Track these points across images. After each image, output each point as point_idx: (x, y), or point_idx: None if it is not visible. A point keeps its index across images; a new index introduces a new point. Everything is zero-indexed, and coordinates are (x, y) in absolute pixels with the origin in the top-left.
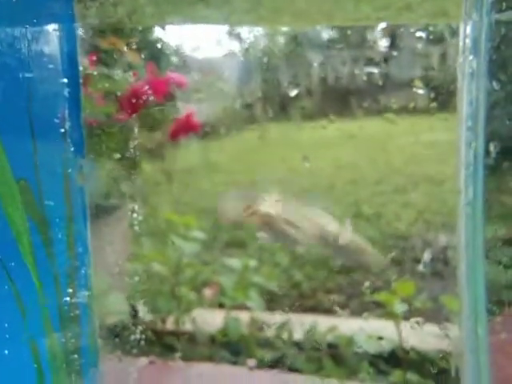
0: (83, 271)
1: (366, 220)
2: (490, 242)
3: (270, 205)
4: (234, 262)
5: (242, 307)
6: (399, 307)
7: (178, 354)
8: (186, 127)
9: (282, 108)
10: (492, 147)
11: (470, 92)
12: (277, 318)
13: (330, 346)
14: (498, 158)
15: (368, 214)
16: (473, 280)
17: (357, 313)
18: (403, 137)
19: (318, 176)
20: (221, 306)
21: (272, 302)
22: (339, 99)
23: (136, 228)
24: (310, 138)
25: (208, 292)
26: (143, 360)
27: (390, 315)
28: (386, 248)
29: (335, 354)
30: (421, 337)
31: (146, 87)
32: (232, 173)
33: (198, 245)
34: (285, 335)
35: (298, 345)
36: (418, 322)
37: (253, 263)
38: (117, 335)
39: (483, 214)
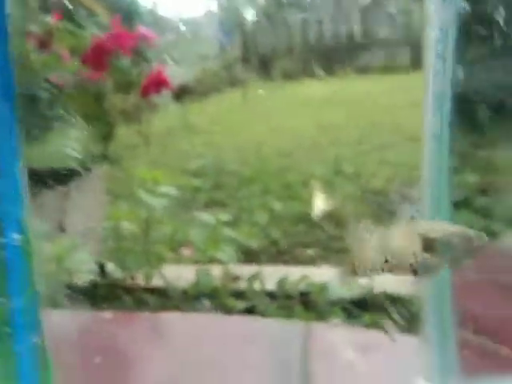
0: (15, 215)
1: (347, 178)
2: (466, 191)
3: None
4: (206, 217)
5: (215, 261)
6: None
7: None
8: (157, 84)
9: (263, 68)
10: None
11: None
12: (250, 270)
13: (303, 294)
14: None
15: (349, 173)
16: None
17: (332, 263)
18: (384, 96)
19: (301, 136)
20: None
21: (251, 258)
22: (321, 59)
23: (109, 189)
24: (292, 98)
25: (185, 251)
26: (108, 314)
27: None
28: (365, 203)
29: (307, 301)
30: (392, 282)
31: (112, 40)
32: (212, 134)
33: (167, 200)
34: (257, 286)
35: (270, 295)
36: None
37: (225, 217)
38: (85, 293)
39: (448, 147)
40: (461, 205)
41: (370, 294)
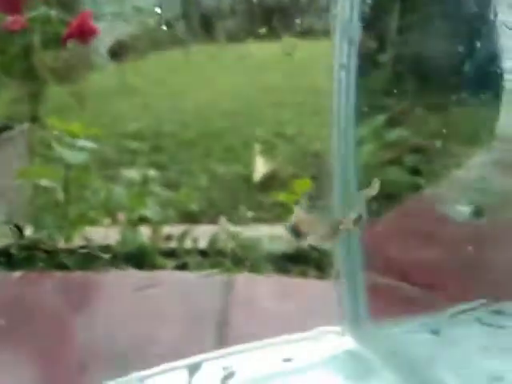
0: None
1: (287, 140)
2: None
3: None
4: (132, 173)
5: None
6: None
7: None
8: (82, 30)
9: (205, 28)
10: None
11: None
12: (181, 229)
13: (235, 251)
14: None
15: (290, 135)
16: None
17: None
18: (326, 59)
19: (242, 98)
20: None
21: (192, 221)
22: (264, 20)
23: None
24: (234, 59)
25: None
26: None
27: (289, 212)
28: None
29: (238, 258)
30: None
31: None
32: (150, 95)
33: (85, 155)
34: (189, 244)
35: (202, 253)
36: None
37: (152, 174)
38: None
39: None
40: (393, 162)
41: (298, 248)
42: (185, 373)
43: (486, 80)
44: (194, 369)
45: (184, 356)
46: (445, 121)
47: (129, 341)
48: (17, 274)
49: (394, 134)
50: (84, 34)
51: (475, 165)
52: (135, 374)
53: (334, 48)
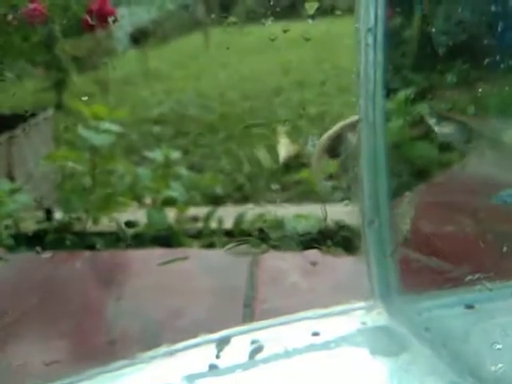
0: None
1: (311, 121)
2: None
3: None
4: (155, 155)
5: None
6: (323, 185)
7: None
8: (101, 14)
9: (224, 10)
10: None
11: None
12: (206, 210)
13: (260, 230)
14: None
15: (313, 115)
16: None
17: (293, 202)
18: (349, 37)
19: (264, 80)
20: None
21: (217, 204)
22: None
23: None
24: (256, 41)
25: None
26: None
27: (313, 192)
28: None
29: (264, 238)
30: (342, 213)
31: None
32: (173, 80)
33: (110, 137)
34: (215, 225)
35: (228, 233)
36: (343, 200)
37: (175, 155)
38: (32, 239)
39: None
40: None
41: (324, 227)
42: (214, 347)
43: None
44: (222, 343)
45: (210, 330)
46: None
47: (157, 315)
48: (47, 254)
49: (424, 108)
50: (103, 17)
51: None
52: (165, 348)
53: (360, 11)
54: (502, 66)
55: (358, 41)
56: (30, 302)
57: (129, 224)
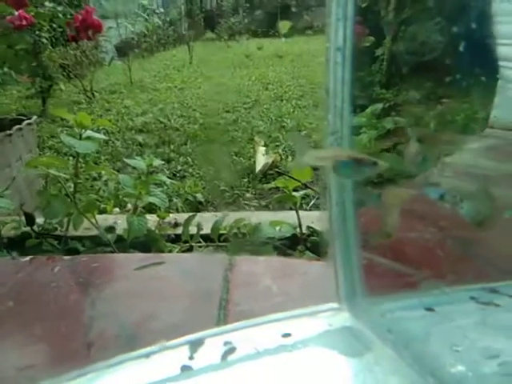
0: None
1: (287, 132)
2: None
3: None
4: (137, 163)
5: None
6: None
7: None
8: (86, 25)
9: (207, 26)
10: None
11: None
12: (186, 216)
13: (237, 235)
14: None
15: (291, 127)
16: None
17: (268, 209)
18: (322, 55)
19: (245, 93)
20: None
21: (198, 210)
22: (265, 19)
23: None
24: (237, 56)
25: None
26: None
27: (290, 198)
28: None
29: (241, 242)
30: (315, 218)
31: None
32: (156, 91)
33: (93, 144)
34: (193, 230)
35: (207, 238)
36: (315, 205)
37: (156, 163)
38: (12, 243)
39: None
40: (390, 150)
41: (296, 233)
42: (187, 348)
43: (481, 68)
44: (196, 344)
45: (184, 333)
46: (439, 111)
47: (133, 317)
48: (26, 258)
49: (390, 123)
50: (88, 28)
51: (467, 151)
52: (140, 350)
53: (329, 31)
54: (463, 83)
55: (327, 59)
56: (5, 306)
57: (109, 230)
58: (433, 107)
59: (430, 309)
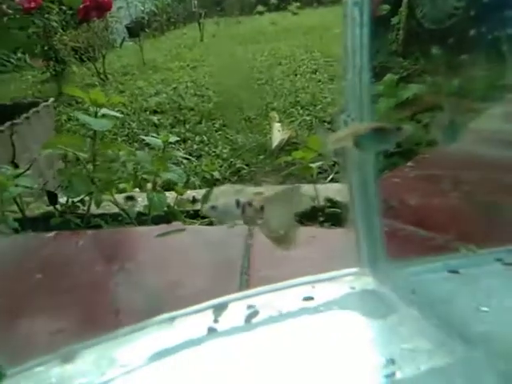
0: None
1: (302, 108)
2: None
3: None
4: (153, 140)
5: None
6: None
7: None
8: (96, 5)
9: (218, 3)
10: None
11: None
12: (203, 193)
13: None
14: None
15: (305, 102)
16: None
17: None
18: (338, 28)
19: (258, 69)
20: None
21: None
22: None
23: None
24: (249, 32)
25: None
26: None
27: (307, 169)
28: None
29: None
30: (334, 190)
31: None
32: (169, 70)
33: (111, 122)
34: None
35: None
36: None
37: (172, 139)
38: (37, 222)
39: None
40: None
41: (315, 204)
42: (212, 312)
43: (499, 38)
44: (220, 308)
45: (208, 297)
46: (459, 79)
47: (158, 285)
48: (51, 233)
49: (409, 91)
50: (99, 8)
51: (488, 118)
52: (166, 314)
53: None
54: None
55: (344, 15)
56: (34, 278)
57: (129, 198)
58: (452, 75)
59: (454, 271)
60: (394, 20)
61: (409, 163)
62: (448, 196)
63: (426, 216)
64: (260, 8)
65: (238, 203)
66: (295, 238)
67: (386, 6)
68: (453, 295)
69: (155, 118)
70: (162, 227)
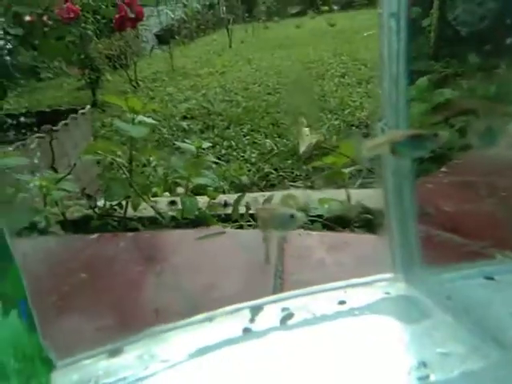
0: None
1: (331, 112)
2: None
3: None
4: (186, 145)
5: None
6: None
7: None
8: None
9: (246, 9)
10: None
11: None
12: (235, 197)
13: None
14: None
15: (333, 106)
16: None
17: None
18: (367, 31)
19: (286, 73)
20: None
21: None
22: None
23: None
24: (277, 37)
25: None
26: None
27: (338, 175)
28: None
29: None
30: (365, 196)
31: None
32: (198, 76)
33: (147, 129)
34: (242, 210)
35: (255, 218)
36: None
37: (205, 145)
38: (77, 225)
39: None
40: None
41: (346, 210)
42: (248, 312)
43: None
44: (256, 309)
45: (244, 299)
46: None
47: (195, 287)
48: (93, 235)
49: (442, 95)
50: (133, 17)
51: None
52: (204, 314)
53: None
54: None
55: (380, 25)
56: (78, 278)
57: (171, 203)
58: (485, 79)
59: (489, 277)
60: (425, 22)
61: (442, 168)
62: (483, 202)
63: (461, 222)
64: (288, 13)
65: None
66: None
67: (417, 9)
68: (488, 301)
69: (185, 124)
70: (202, 230)
